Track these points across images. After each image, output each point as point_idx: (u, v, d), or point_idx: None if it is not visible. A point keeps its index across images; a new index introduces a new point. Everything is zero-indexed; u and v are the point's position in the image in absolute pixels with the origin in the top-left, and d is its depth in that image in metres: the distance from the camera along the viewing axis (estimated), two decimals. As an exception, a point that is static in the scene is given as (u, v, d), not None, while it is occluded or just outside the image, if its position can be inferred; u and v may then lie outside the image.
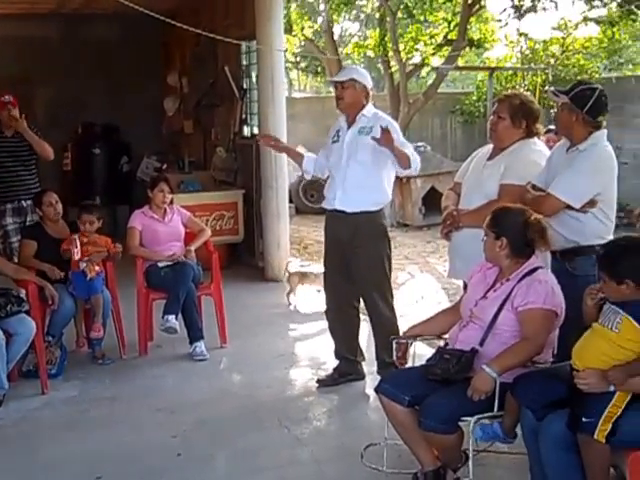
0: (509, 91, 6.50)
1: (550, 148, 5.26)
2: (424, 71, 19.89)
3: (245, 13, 9.63)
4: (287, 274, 8.39)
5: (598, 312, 3.70)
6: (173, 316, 6.52)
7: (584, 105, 4.56)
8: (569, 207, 4.52)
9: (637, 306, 3.51)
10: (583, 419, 3.48)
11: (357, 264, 5.78)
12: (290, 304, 8.28)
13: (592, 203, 4.52)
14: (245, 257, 10.25)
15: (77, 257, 6.37)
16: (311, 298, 8.27)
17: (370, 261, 5.77)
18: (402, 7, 16.41)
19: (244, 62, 10.41)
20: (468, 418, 3.90)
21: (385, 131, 5.37)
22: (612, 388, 3.46)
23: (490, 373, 3.83)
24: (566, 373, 3.67)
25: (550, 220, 4.43)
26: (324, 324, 6.36)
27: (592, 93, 4.60)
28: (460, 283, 5.36)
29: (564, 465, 3.60)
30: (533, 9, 15.69)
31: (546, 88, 14.66)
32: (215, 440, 5.13)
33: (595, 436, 3.45)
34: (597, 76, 15.41)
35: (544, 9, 15.58)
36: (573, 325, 4.01)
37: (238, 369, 6.52)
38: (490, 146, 5.18)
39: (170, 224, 7.07)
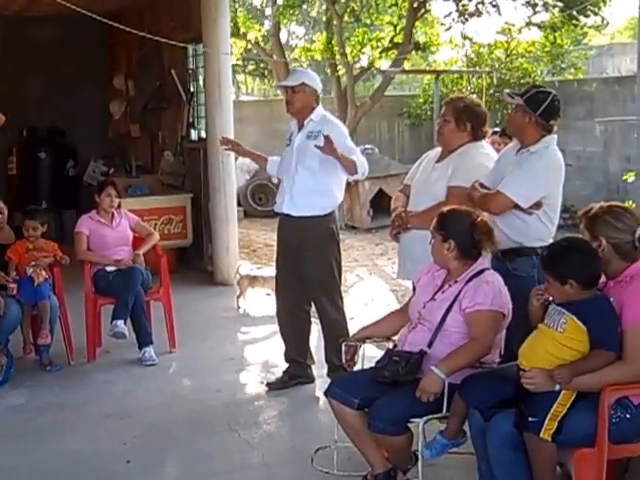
0: (455, 94, 6.56)
1: (496, 150, 5.35)
2: (373, 76, 19.99)
3: (190, 15, 9.60)
4: (238, 277, 8.39)
5: (544, 313, 3.76)
6: (122, 321, 6.47)
7: (538, 107, 4.65)
8: (516, 207, 4.59)
9: (581, 306, 3.57)
10: (529, 418, 3.53)
11: (306, 268, 5.80)
12: (240, 307, 8.26)
13: (538, 205, 4.60)
14: (194, 261, 10.21)
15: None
16: (261, 301, 8.26)
17: (319, 265, 5.79)
18: (349, 11, 16.47)
19: (191, 65, 10.38)
20: (417, 419, 3.94)
21: (326, 139, 5.38)
22: (558, 387, 3.52)
23: (438, 374, 3.87)
24: (513, 373, 3.72)
25: (496, 219, 4.50)
26: (274, 327, 6.38)
27: (546, 97, 4.70)
28: (409, 284, 5.40)
29: (511, 464, 3.64)
30: (477, 13, 15.84)
31: (491, 91, 14.87)
32: (165, 446, 5.11)
33: (541, 435, 3.50)
34: (540, 80, 15.60)
35: (487, 13, 15.74)
36: (516, 325, 4.09)
37: (188, 374, 6.50)
38: (439, 149, 5.25)
39: (118, 229, 7.02)
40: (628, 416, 3.60)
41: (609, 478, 3.59)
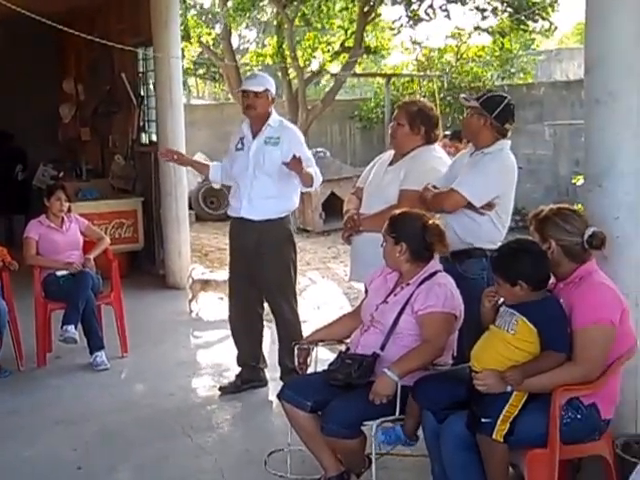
0: (408, 98, 6.61)
1: (447, 154, 5.39)
2: (324, 79, 20.03)
3: (141, 19, 9.54)
4: (190, 281, 8.34)
5: (495, 314, 3.79)
6: (72, 326, 6.41)
7: (493, 110, 4.71)
8: (468, 207, 4.62)
9: (531, 307, 3.60)
10: (482, 420, 3.55)
11: (263, 270, 5.79)
12: (192, 311, 8.22)
13: (490, 206, 4.64)
14: (146, 265, 10.14)
15: None
16: (213, 305, 8.24)
17: (276, 266, 5.79)
18: (299, 15, 16.48)
19: (141, 69, 10.30)
20: (370, 422, 3.95)
21: (295, 159, 5.43)
22: (509, 389, 3.54)
23: (391, 377, 3.88)
24: (465, 375, 3.75)
25: (448, 219, 4.54)
26: (227, 331, 6.35)
27: (501, 100, 4.77)
28: (361, 287, 5.43)
29: (464, 465, 3.66)
30: (427, 18, 15.95)
31: (442, 95, 14.98)
32: (117, 451, 5.06)
33: (494, 436, 3.52)
34: (490, 84, 15.76)
35: (436, 17, 15.86)
36: (467, 326, 4.12)
37: (140, 378, 6.45)
38: (392, 152, 5.28)
39: (68, 233, 6.96)
40: (579, 416, 3.64)
41: (561, 478, 3.62)
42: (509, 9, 15.72)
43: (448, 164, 5.07)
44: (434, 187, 4.74)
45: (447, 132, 7.72)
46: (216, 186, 6.30)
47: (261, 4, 18.44)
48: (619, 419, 3.98)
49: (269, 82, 5.83)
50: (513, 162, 4.77)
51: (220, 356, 6.79)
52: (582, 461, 4.02)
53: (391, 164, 5.18)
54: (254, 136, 5.81)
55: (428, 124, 5.11)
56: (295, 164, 5.45)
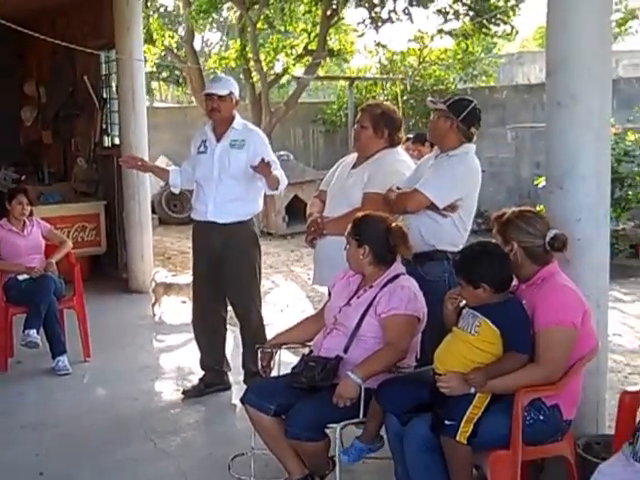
0: (371, 101, 6.61)
1: (410, 157, 5.42)
2: (284, 79, 19.98)
3: (103, 21, 9.48)
4: (153, 285, 8.30)
5: (458, 316, 3.81)
6: (34, 330, 6.35)
7: (460, 113, 4.73)
8: (431, 208, 4.64)
9: (494, 309, 3.62)
10: (445, 422, 3.56)
11: (229, 272, 5.77)
12: (155, 315, 8.17)
13: (453, 208, 4.66)
14: (108, 269, 10.08)
15: None
16: (176, 309, 8.19)
17: (242, 269, 5.77)
18: (262, 18, 16.45)
19: (103, 71, 10.23)
20: (334, 425, 3.94)
21: (263, 162, 5.41)
22: (473, 390, 3.56)
23: (355, 379, 3.88)
24: (429, 377, 3.75)
25: (411, 220, 4.54)
26: (190, 335, 6.32)
27: (468, 104, 4.80)
28: (325, 290, 5.43)
29: (428, 467, 3.67)
30: (389, 20, 16.00)
31: (405, 97, 15.04)
32: (80, 456, 5.02)
33: (457, 438, 3.53)
34: (453, 87, 15.86)
35: (400, 20, 15.91)
36: (430, 329, 4.13)
37: (103, 382, 6.40)
38: (355, 154, 5.29)
39: (30, 237, 6.90)
40: (542, 417, 3.67)
41: (524, 479, 3.64)
42: (471, 12, 15.82)
43: (411, 167, 5.09)
44: (397, 189, 4.76)
45: (410, 135, 7.74)
46: (176, 191, 6.26)
47: (224, 6, 18.35)
48: (581, 419, 4.02)
49: (233, 85, 5.81)
50: (477, 166, 4.80)
51: (183, 360, 6.76)
52: (545, 462, 4.05)
53: (354, 167, 5.19)
54: (218, 139, 5.78)
55: (392, 127, 5.13)
56: (263, 168, 5.44)
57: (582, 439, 4.08)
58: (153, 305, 8.23)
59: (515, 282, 3.81)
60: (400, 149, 5.28)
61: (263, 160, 5.44)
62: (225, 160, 5.70)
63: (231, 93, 5.73)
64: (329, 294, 4.64)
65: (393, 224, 4.24)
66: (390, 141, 5.15)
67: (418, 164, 5.08)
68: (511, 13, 15.82)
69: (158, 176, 6.52)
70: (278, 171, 5.66)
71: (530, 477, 3.93)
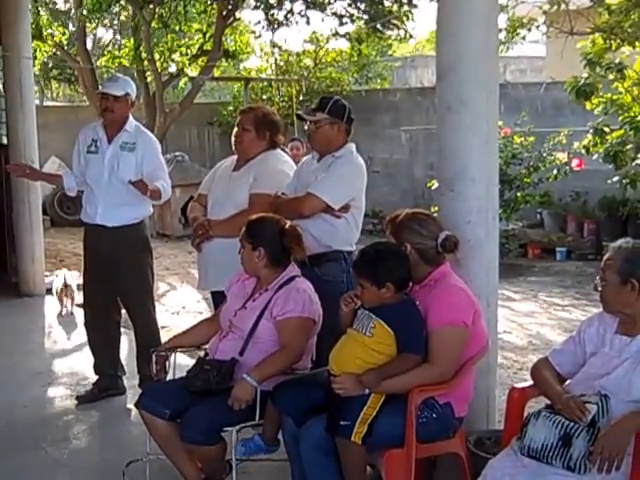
0: (252, 104, 6.62)
1: (294, 156, 5.42)
2: (182, 82, 19.83)
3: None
4: (60, 286, 8.14)
5: (353, 317, 3.83)
6: None
7: (342, 115, 4.75)
8: (324, 210, 4.65)
9: (388, 310, 3.66)
10: (341, 422, 3.58)
11: (120, 276, 5.69)
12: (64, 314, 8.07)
13: (346, 208, 4.70)
14: (-4, 273, 9.80)
15: None
16: (72, 312, 8.05)
17: (133, 273, 5.70)
18: (157, 17, 16.27)
19: (-11, 68, 9.95)
20: (230, 428, 3.93)
21: (140, 181, 5.39)
22: (367, 391, 3.59)
23: (250, 382, 3.87)
24: (324, 379, 3.77)
25: (306, 225, 4.55)
26: (83, 339, 6.20)
27: (342, 103, 4.82)
28: (209, 295, 5.39)
29: (323, 468, 3.68)
30: (286, 23, 16.05)
31: (301, 98, 15.09)
32: (-33, 467, 4.87)
33: (352, 438, 3.55)
34: (348, 89, 15.97)
35: (296, 23, 15.99)
36: (327, 330, 4.15)
37: (-9, 390, 6.23)
38: (234, 157, 5.29)
39: None
40: (434, 416, 3.73)
41: (418, 476, 3.69)
42: (365, 16, 15.99)
43: (294, 167, 5.11)
44: (283, 194, 4.77)
45: (296, 135, 7.76)
46: (72, 194, 6.12)
47: (116, 5, 18.06)
48: (472, 416, 4.10)
49: (130, 86, 5.73)
50: (362, 164, 4.85)
51: (77, 364, 6.63)
52: (438, 458, 4.12)
53: (235, 169, 5.18)
54: (109, 140, 5.69)
55: (273, 129, 5.15)
56: (140, 186, 5.40)
57: (473, 435, 4.16)
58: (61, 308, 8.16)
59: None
60: (280, 151, 5.29)
61: (140, 180, 5.41)
62: (115, 163, 5.62)
63: (127, 94, 5.65)
64: (213, 298, 4.58)
65: (287, 225, 4.25)
66: (271, 143, 5.17)
67: (298, 168, 5.06)
68: (404, 19, 16.06)
69: (51, 183, 6.38)
70: (161, 181, 5.60)
71: (424, 474, 3.99)
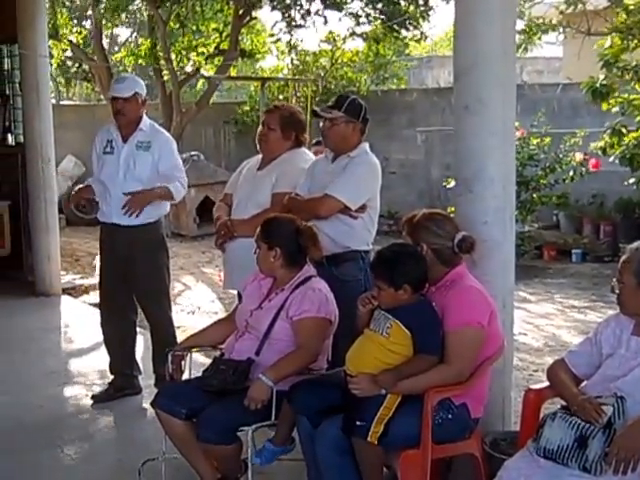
0: (278, 102, 6.61)
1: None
2: (200, 82, 19.87)
3: (5, 14, 9.21)
4: None
5: (370, 318, 3.82)
6: None
7: (358, 114, 4.75)
8: (341, 210, 4.64)
9: (405, 311, 3.66)
10: (357, 423, 3.58)
11: (136, 275, 5.70)
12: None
13: (363, 208, 4.69)
14: (13, 271, 9.82)
15: None
16: (86, 312, 8.06)
17: (149, 272, 5.71)
18: (173, 16, 16.30)
19: (6, 66, 9.97)
20: (246, 428, 3.93)
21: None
22: (383, 391, 3.59)
23: (266, 382, 3.87)
24: (340, 379, 3.77)
25: (322, 226, 4.54)
26: (99, 338, 6.21)
27: (359, 102, 4.81)
28: (235, 293, 5.40)
29: (340, 468, 3.68)
30: (303, 25, 16.09)
31: (317, 99, 15.08)
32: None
33: (368, 438, 3.55)
34: (364, 89, 15.96)
35: (314, 23, 16.01)
36: (344, 330, 4.14)
37: (7, 389, 6.20)
38: (259, 156, 5.27)
39: None
40: (450, 416, 3.72)
41: (433, 477, 3.69)
42: (382, 16, 15.98)
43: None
44: (297, 195, 4.76)
45: (319, 139, 7.73)
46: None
47: (134, 4, 18.12)
48: (487, 417, 4.09)
49: (138, 84, 5.70)
50: (377, 163, 4.84)
51: (92, 364, 6.63)
52: (453, 459, 4.11)
53: (260, 169, 5.17)
54: (124, 140, 5.69)
55: (298, 128, 5.15)
56: (134, 204, 5.45)
57: (489, 436, 4.15)
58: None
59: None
60: (305, 149, 5.28)
61: (133, 196, 5.46)
62: (130, 162, 5.62)
63: (136, 93, 5.62)
64: (239, 297, 4.61)
65: (302, 225, 4.24)
66: (296, 142, 5.16)
67: (310, 167, 5.01)
68: (420, 19, 16.04)
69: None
70: (175, 182, 5.59)
71: (439, 475, 3.98)
